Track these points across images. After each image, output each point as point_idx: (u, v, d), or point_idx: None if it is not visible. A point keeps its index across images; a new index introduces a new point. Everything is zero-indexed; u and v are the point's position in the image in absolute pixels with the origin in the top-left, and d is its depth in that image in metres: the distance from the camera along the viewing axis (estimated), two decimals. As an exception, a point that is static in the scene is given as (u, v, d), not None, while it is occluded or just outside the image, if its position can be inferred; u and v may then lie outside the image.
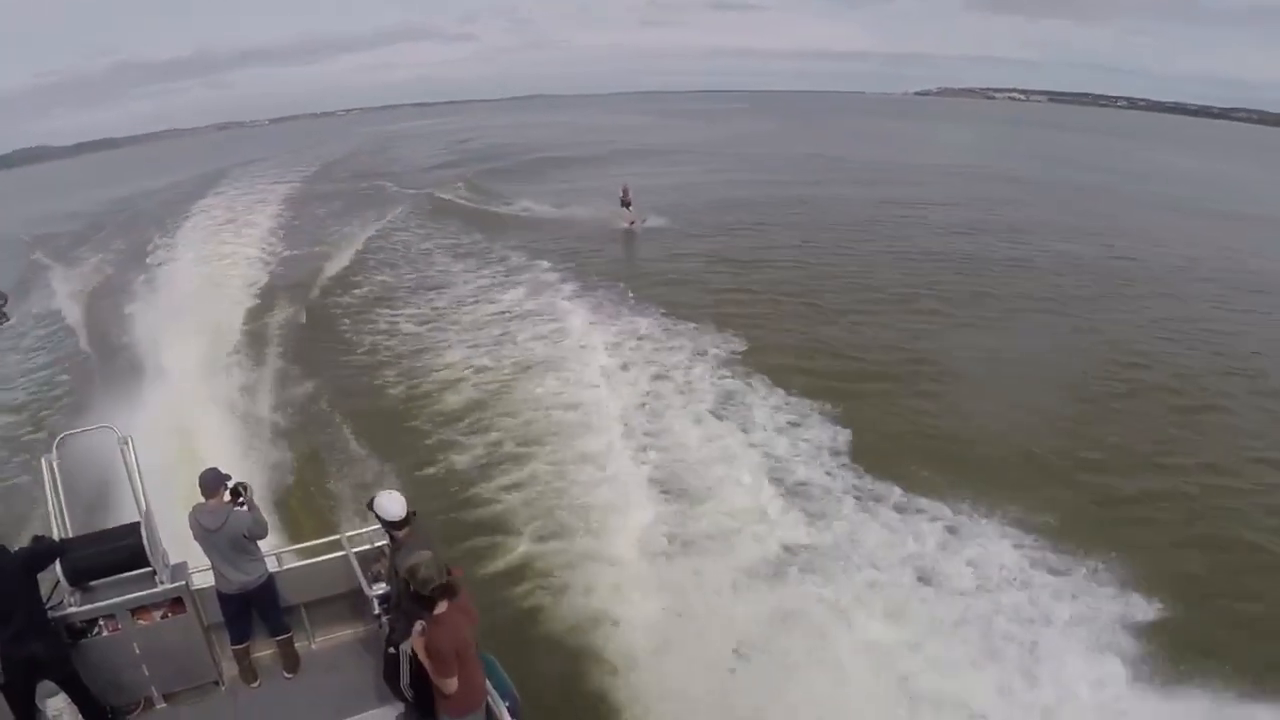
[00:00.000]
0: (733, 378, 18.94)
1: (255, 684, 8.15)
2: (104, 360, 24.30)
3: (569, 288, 27.97)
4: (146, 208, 61.17)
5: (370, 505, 6.70)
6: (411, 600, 5.67)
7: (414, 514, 6.75)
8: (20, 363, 26.94)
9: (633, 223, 36.79)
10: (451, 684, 5.74)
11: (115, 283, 35.72)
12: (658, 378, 19.20)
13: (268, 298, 29.96)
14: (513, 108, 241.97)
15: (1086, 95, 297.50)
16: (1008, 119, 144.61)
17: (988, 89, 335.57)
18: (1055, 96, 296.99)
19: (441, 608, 5.64)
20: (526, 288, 28.45)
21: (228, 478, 7.73)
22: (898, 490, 13.78)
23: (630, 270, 30.61)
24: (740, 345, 20.97)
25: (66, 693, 7.38)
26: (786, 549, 12.40)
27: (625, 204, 37.14)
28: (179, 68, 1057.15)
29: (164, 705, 8.01)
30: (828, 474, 14.48)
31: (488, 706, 6.22)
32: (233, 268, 35.28)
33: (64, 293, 35.53)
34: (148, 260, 39.53)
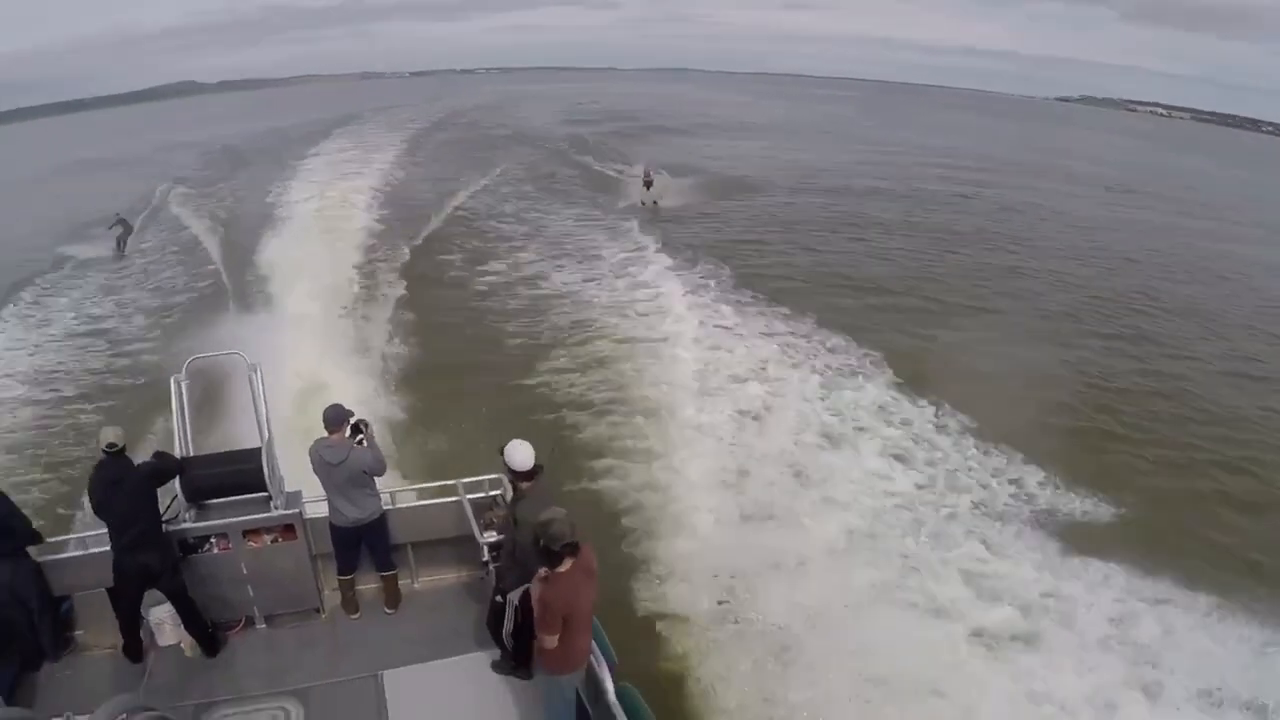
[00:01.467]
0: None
1: (355, 615, 8.46)
2: (234, 289, 25.21)
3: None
4: (277, 143, 63.30)
5: (501, 452, 6.74)
6: (538, 553, 5.71)
7: (540, 467, 6.81)
8: (156, 286, 28.17)
9: (654, 201, 38.08)
10: (551, 641, 5.81)
11: (245, 214, 36.99)
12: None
13: (385, 239, 30.74)
14: (648, 78, 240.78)
15: (1233, 117, 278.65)
16: (1145, 134, 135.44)
17: (1130, 101, 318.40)
18: (1200, 115, 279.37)
19: (565, 565, 5.69)
20: (619, 245, 29.76)
21: (350, 414, 7.93)
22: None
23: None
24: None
25: (172, 604, 7.82)
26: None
27: (647, 184, 38.61)
28: (327, 15, 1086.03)
29: (264, 626, 8.38)
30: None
31: (590, 667, 6.34)
32: (353, 208, 36.13)
33: (198, 221, 37.02)
34: (276, 193, 40.83)
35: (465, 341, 20.38)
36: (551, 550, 5.60)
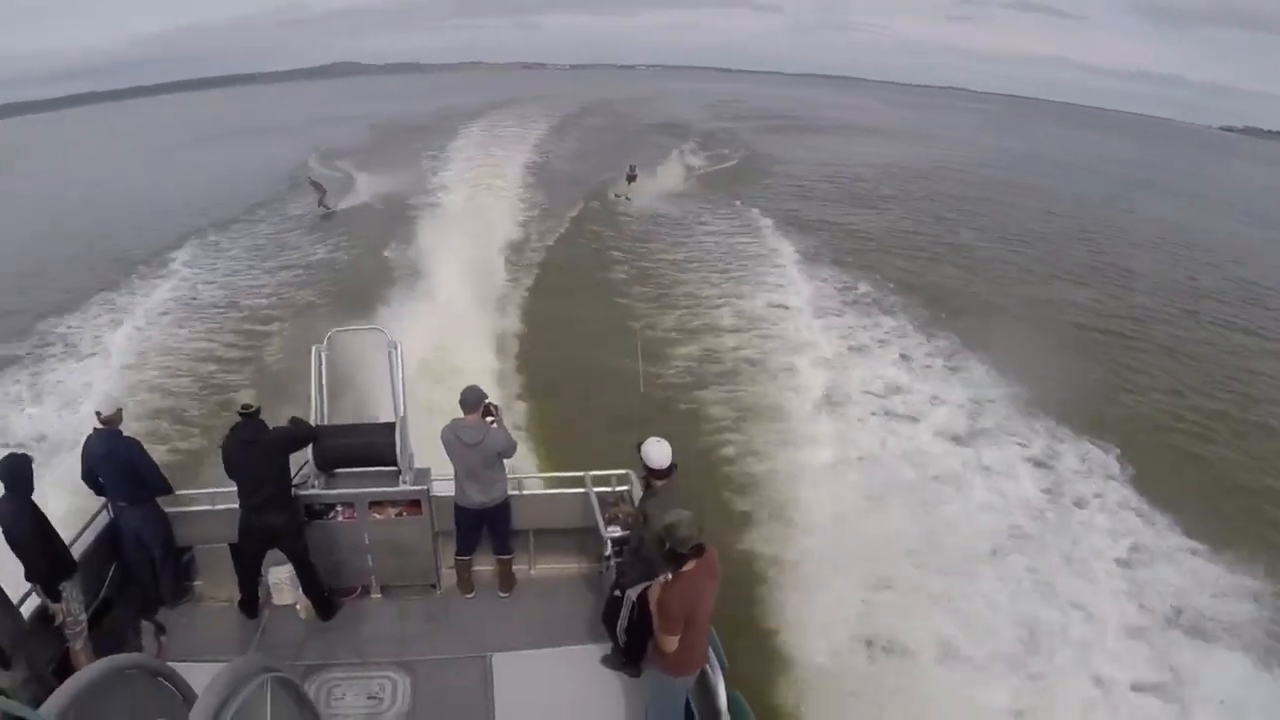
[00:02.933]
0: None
1: (470, 595, 8.46)
2: (379, 263, 25.86)
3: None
4: (437, 123, 65.68)
5: (638, 448, 6.67)
6: (663, 553, 5.58)
7: (675, 466, 6.68)
8: (306, 255, 29.28)
9: (627, 197, 37.94)
10: (671, 643, 5.68)
11: (400, 190, 38.08)
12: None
13: (527, 224, 31.40)
14: (809, 84, 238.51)
15: None
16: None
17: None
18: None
19: (689, 566, 5.55)
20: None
21: (485, 396, 7.93)
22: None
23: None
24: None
25: (293, 566, 7.96)
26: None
27: (630, 179, 38.48)
28: (490, 6, 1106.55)
29: (379, 596, 8.48)
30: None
31: (703, 671, 6.15)
32: (501, 191, 36.94)
33: (352, 194, 38.45)
34: (430, 172, 42.28)
35: (595, 334, 20.20)
36: (677, 551, 5.47)
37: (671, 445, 6.69)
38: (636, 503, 7.67)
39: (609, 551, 7.65)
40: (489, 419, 7.83)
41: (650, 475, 6.68)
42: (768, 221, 33.68)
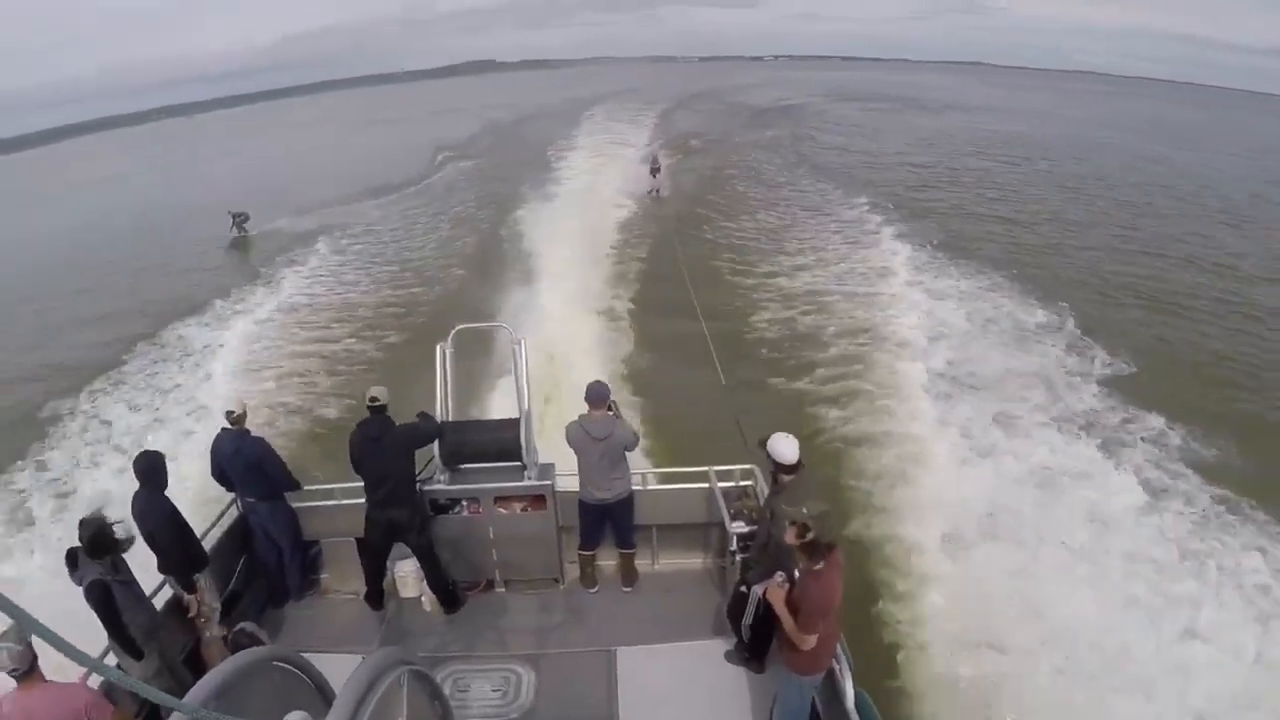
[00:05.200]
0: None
1: (593, 589, 8.47)
2: (499, 257, 26.19)
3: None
4: (567, 110, 67.00)
5: (763, 444, 6.52)
6: (800, 549, 5.44)
7: (802, 462, 6.54)
8: (426, 250, 29.85)
9: (656, 190, 36.20)
10: (811, 640, 5.55)
11: (521, 179, 38.68)
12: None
13: (643, 215, 31.55)
14: (937, 70, 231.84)
15: None
16: None
17: None
18: None
19: (823, 562, 5.42)
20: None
21: (610, 391, 7.91)
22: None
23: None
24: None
25: (418, 559, 8.06)
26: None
27: (654, 171, 36.59)
28: (619, 1, 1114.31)
29: (503, 590, 8.57)
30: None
31: (831, 670, 6.01)
32: (619, 181, 37.34)
33: (474, 186, 39.39)
34: (553, 161, 43.16)
35: (713, 327, 19.82)
36: (818, 543, 5.34)
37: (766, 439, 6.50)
38: (758, 497, 7.73)
39: (734, 546, 7.48)
40: (613, 413, 7.82)
41: (778, 471, 6.53)
42: (863, 205, 33.38)
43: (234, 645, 5.50)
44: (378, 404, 7.62)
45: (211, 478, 8.21)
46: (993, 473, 13.16)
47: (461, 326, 8.75)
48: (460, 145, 58.89)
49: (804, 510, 5.36)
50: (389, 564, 8.32)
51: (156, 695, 2.42)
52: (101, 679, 4.99)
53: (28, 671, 4.78)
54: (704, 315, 13.72)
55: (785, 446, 6.43)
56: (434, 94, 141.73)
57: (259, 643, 5.41)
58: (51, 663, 5.31)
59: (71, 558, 6.09)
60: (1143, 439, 14.50)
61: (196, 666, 7.10)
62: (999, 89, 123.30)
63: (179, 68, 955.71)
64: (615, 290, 22.65)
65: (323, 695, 4.13)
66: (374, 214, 37.15)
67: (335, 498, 8.58)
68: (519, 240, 27.12)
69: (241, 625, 6.12)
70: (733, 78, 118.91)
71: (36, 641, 4.73)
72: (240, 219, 35.76)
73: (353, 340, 21.06)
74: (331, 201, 40.12)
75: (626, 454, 7.95)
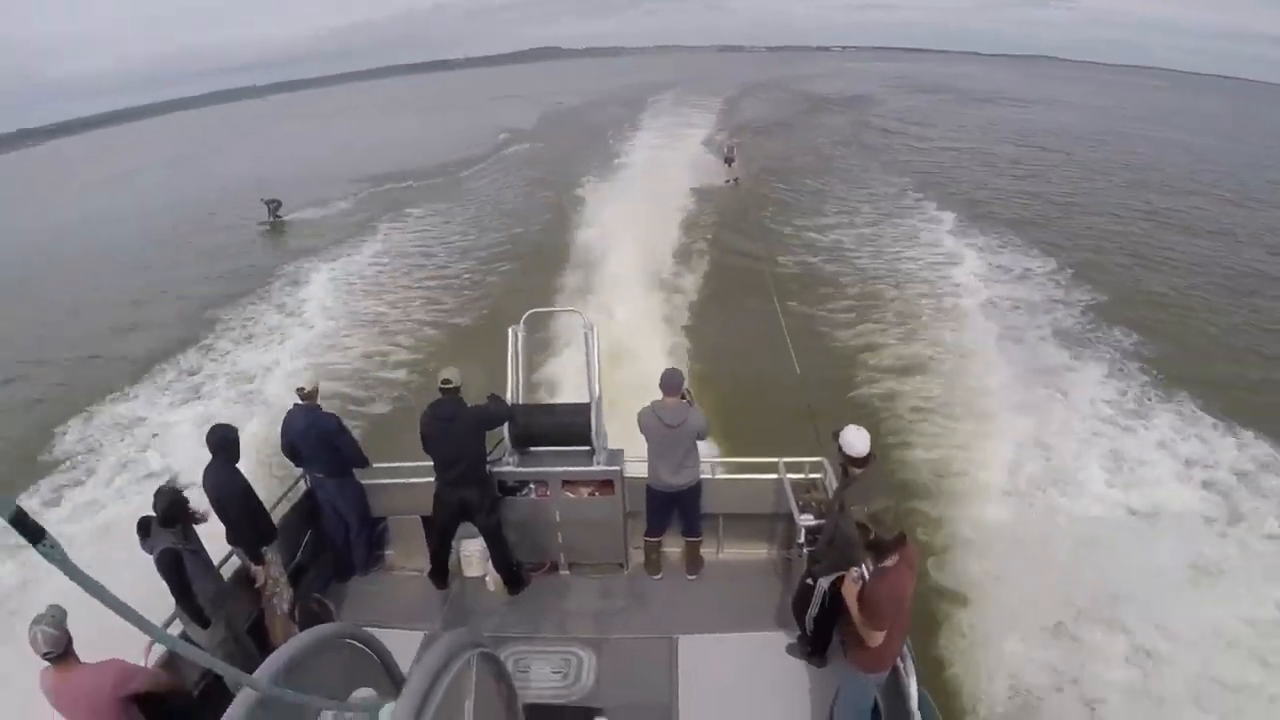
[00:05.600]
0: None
1: (657, 576, 8.46)
2: (564, 241, 26.21)
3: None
4: (632, 96, 66.86)
5: (835, 436, 6.48)
6: (865, 543, 5.40)
7: (873, 455, 6.49)
8: (490, 239, 29.82)
9: (735, 180, 36.06)
10: (878, 637, 5.49)
11: (585, 167, 38.92)
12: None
13: (705, 201, 31.42)
14: (1006, 65, 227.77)
15: None
16: None
17: None
18: None
19: (891, 559, 5.36)
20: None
21: (684, 379, 7.87)
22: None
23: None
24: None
25: (485, 539, 8.11)
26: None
27: (729, 161, 36.66)
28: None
29: (567, 573, 8.59)
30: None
31: (895, 668, 5.92)
32: (682, 167, 37.46)
33: (529, 169, 39.47)
34: (617, 149, 43.15)
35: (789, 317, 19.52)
36: (883, 541, 5.26)
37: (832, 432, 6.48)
38: (827, 490, 7.69)
39: (802, 539, 7.39)
40: (686, 401, 7.78)
41: (848, 464, 6.48)
42: (929, 200, 33.00)
43: (304, 616, 5.53)
44: (450, 386, 7.61)
45: (281, 453, 8.32)
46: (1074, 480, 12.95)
47: (534, 310, 8.77)
48: (525, 131, 59.80)
49: (864, 509, 5.34)
50: (455, 543, 8.37)
51: (228, 671, 2.41)
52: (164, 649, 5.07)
53: (62, 655, 4.87)
54: (780, 304, 13.55)
55: (856, 439, 6.37)
56: (498, 80, 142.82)
57: (329, 615, 5.44)
58: (116, 632, 5.39)
59: (143, 526, 6.20)
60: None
61: (260, 637, 7.24)
62: (1082, 85, 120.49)
63: (249, 52, 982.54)
64: (684, 277, 22.58)
65: (389, 673, 4.07)
66: (438, 197, 37.56)
67: (403, 476, 8.61)
68: (585, 226, 27.12)
69: (313, 595, 6.12)
70: (799, 68, 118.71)
71: (75, 621, 4.89)
72: (273, 205, 36.50)
73: (417, 322, 21.26)
74: (392, 183, 40.97)
75: (697, 442, 7.90)
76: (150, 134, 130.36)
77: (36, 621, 4.79)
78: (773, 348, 12.62)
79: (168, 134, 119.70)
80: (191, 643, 4.77)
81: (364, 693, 3.73)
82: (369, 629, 4.32)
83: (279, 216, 36.44)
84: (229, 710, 2.81)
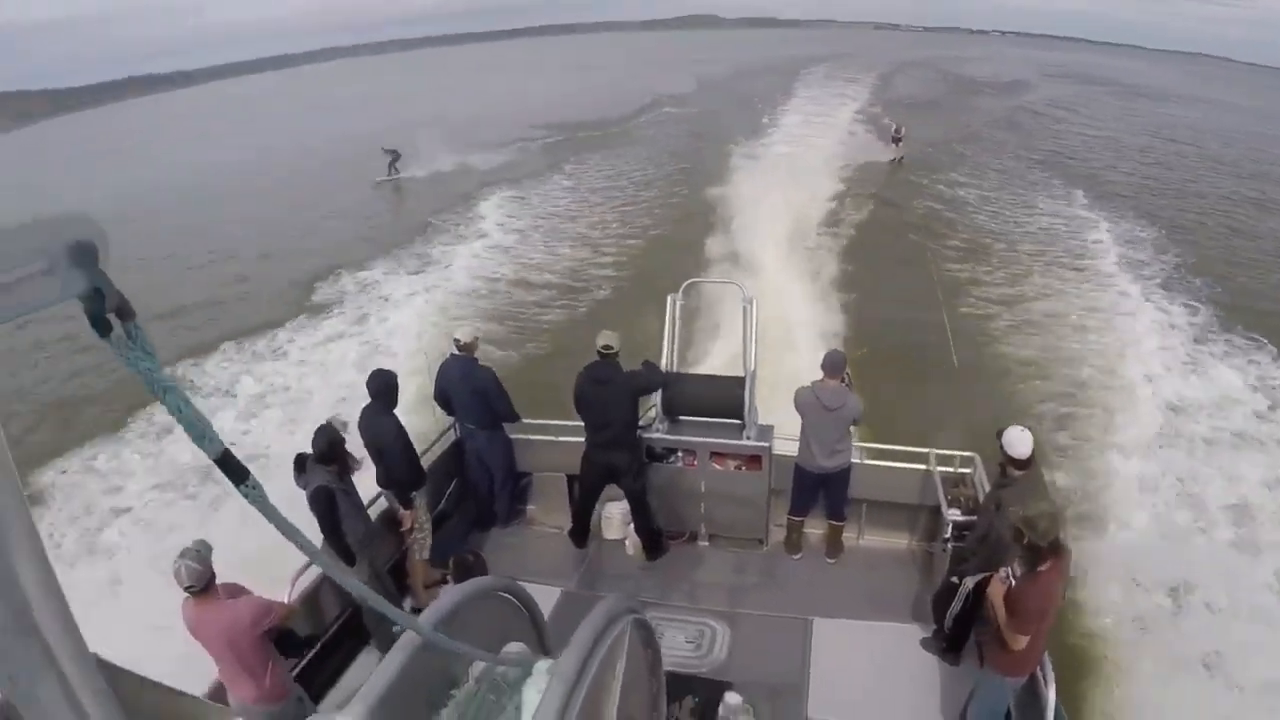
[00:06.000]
0: None
1: (797, 556, 8.35)
2: (715, 210, 25.79)
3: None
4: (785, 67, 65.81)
5: (999, 434, 6.35)
6: (1022, 548, 5.25)
7: (1034, 458, 6.34)
8: (637, 206, 29.74)
9: (900, 159, 35.58)
10: (1022, 642, 5.37)
11: (736, 137, 38.41)
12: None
13: (855, 183, 30.47)
14: (1160, 60, 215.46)
15: None
16: None
17: None
18: None
19: (1045, 564, 5.22)
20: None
21: (846, 361, 7.77)
22: None
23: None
24: None
25: (629, 503, 8.15)
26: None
27: (896, 140, 35.78)
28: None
29: (706, 544, 8.55)
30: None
31: (1033, 676, 5.77)
32: (830, 146, 36.48)
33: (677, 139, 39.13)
34: (767, 121, 42.82)
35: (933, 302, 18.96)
36: (1038, 546, 5.14)
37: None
38: (977, 487, 7.55)
39: (947, 534, 7.27)
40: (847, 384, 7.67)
41: (1008, 464, 6.32)
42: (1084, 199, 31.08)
43: (458, 567, 5.54)
44: (611, 351, 7.63)
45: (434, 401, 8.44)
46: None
47: (693, 281, 8.72)
48: (679, 97, 59.49)
49: (1021, 512, 5.22)
50: (597, 505, 8.42)
51: (401, 616, 2.38)
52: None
53: (204, 589, 4.96)
54: (943, 294, 13.15)
55: (1020, 440, 6.23)
56: (653, 45, 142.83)
57: (481, 567, 5.45)
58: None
59: (300, 463, 6.35)
60: None
61: (399, 578, 7.48)
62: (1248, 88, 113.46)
63: (392, 7, 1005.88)
64: (836, 254, 22.09)
65: (537, 628, 4.12)
66: (586, 160, 37.74)
67: (551, 433, 8.72)
68: (734, 196, 26.76)
69: (467, 548, 6.18)
70: (954, 49, 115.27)
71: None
72: (393, 158, 36.90)
73: (580, 279, 21.53)
74: (538, 143, 41.47)
75: (851, 426, 7.77)
76: (311, 80, 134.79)
77: (182, 555, 4.90)
78: (931, 336, 12.32)
79: (324, 81, 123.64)
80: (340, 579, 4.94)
81: (515, 647, 3.74)
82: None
83: (397, 170, 36.91)
84: (390, 654, 2.90)
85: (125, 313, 1.34)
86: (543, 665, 3.39)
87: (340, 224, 29.92)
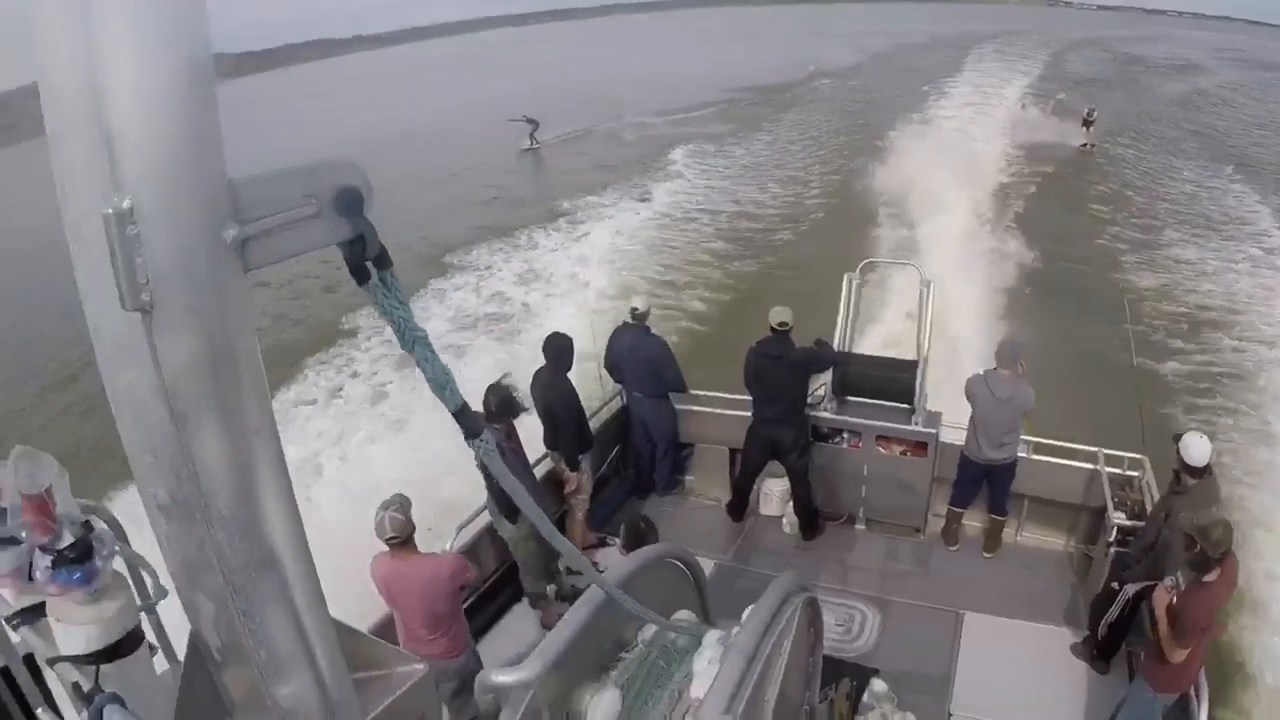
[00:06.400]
0: None
1: (953, 547, 8.22)
2: (877, 193, 25.11)
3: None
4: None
5: (1176, 439, 6.13)
6: (1189, 556, 5.10)
7: (1211, 468, 6.10)
8: (800, 181, 29.41)
9: (1090, 144, 33.76)
10: (1181, 655, 5.22)
11: (902, 113, 37.47)
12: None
13: (1021, 166, 29.24)
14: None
15: None
16: None
17: None
18: None
19: (1213, 575, 5.06)
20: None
21: (1021, 351, 7.62)
22: None
23: None
24: None
25: (790, 481, 8.15)
26: None
27: (1087, 124, 33.85)
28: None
29: (863, 528, 8.49)
30: None
31: (1185, 695, 5.56)
32: (995, 131, 34.84)
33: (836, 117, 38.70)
34: (932, 99, 41.85)
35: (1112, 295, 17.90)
36: (1206, 556, 5.00)
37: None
38: (1145, 492, 7.32)
39: (1111, 538, 7.00)
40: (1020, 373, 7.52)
41: (1183, 471, 6.11)
42: None
43: (630, 532, 5.61)
44: (785, 327, 7.60)
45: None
46: None
47: (870, 260, 8.77)
48: (840, 70, 58.49)
49: (1193, 520, 5.10)
50: (758, 480, 8.43)
51: (594, 574, 2.51)
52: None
53: (404, 542, 5.09)
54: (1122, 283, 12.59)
55: (1198, 447, 6.01)
56: (816, 16, 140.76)
57: (653, 534, 5.50)
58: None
59: None
60: None
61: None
62: None
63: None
64: (1009, 237, 21.30)
65: (701, 598, 4.22)
66: (751, 133, 37.51)
67: (717, 406, 8.76)
68: (899, 174, 25.77)
69: (640, 514, 6.28)
70: (1129, 29, 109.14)
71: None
72: (532, 127, 36.87)
73: (752, 252, 21.53)
74: (698, 110, 41.49)
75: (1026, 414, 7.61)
76: (504, 44, 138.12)
77: (385, 506, 5.04)
78: (1105, 329, 11.83)
79: (512, 46, 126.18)
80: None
81: (685, 614, 3.78)
82: None
83: (536, 141, 36.96)
84: (571, 610, 2.98)
85: (383, 261, 1.39)
86: (712, 636, 3.44)
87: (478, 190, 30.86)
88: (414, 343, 1.49)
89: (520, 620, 7.16)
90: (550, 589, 7.15)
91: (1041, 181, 27.49)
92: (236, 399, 1.32)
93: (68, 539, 1.71)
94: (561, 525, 7.77)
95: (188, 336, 1.24)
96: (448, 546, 6.11)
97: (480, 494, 6.78)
